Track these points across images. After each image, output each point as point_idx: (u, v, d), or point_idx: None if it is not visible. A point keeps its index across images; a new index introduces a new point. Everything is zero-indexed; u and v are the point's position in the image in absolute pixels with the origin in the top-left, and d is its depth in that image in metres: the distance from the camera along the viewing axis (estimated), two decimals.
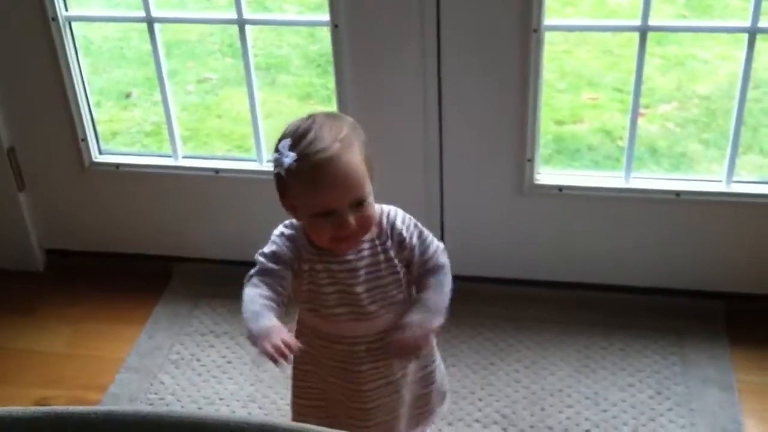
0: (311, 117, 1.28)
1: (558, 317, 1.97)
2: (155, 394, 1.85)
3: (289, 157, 1.22)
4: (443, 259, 1.37)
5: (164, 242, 2.16)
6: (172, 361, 1.92)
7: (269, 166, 2.04)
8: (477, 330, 1.96)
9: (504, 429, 1.73)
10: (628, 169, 1.90)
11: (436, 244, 1.37)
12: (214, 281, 2.11)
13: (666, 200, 1.88)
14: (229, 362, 1.92)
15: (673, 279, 1.96)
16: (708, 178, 1.81)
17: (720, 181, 1.88)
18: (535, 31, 1.75)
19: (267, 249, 1.31)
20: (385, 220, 1.33)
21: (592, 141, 2.86)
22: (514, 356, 1.89)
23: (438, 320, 1.32)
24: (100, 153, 2.13)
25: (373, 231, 1.31)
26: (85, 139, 2.07)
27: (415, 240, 1.34)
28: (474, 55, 1.81)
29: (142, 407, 1.71)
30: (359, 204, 1.25)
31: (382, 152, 1.94)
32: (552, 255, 2.00)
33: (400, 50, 1.83)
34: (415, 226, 1.35)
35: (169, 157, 2.10)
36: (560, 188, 1.92)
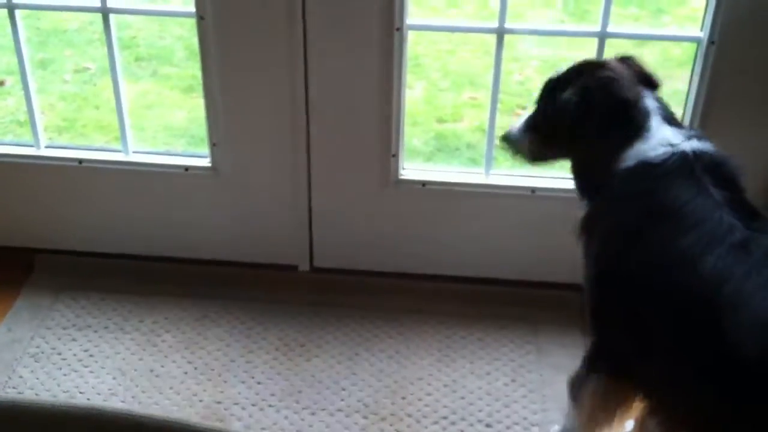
0: None
1: (420, 308, 2.02)
2: (14, 388, 1.81)
3: None
4: None
5: (26, 234, 2.11)
6: (31, 354, 1.88)
7: (136, 158, 2.04)
8: (342, 321, 1.99)
9: (365, 417, 1.77)
10: (488, 165, 1.97)
11: None
12: (76, 273, 2.08)
13: (522, 196, 1.96)
14: (91, 356, 1.89)
15: (530, 271, 2.04)
16: (560, 175, 1.89)
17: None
18: (398, 29, 1.80)
19: None
20: None
21: (471, 139, 2.95)
22: (378, 346, 1.94)
23: None
24: None
25: None
26: None
27: None
28: (339, 52, 1.84)
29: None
30: None
31: (250, 146, 1.97)
32: (417, 247, 2.06)
33: (267, 46, 1.84)
34: None
35: (31, 146, 2.04)
36: (423, 183, 1.98)
